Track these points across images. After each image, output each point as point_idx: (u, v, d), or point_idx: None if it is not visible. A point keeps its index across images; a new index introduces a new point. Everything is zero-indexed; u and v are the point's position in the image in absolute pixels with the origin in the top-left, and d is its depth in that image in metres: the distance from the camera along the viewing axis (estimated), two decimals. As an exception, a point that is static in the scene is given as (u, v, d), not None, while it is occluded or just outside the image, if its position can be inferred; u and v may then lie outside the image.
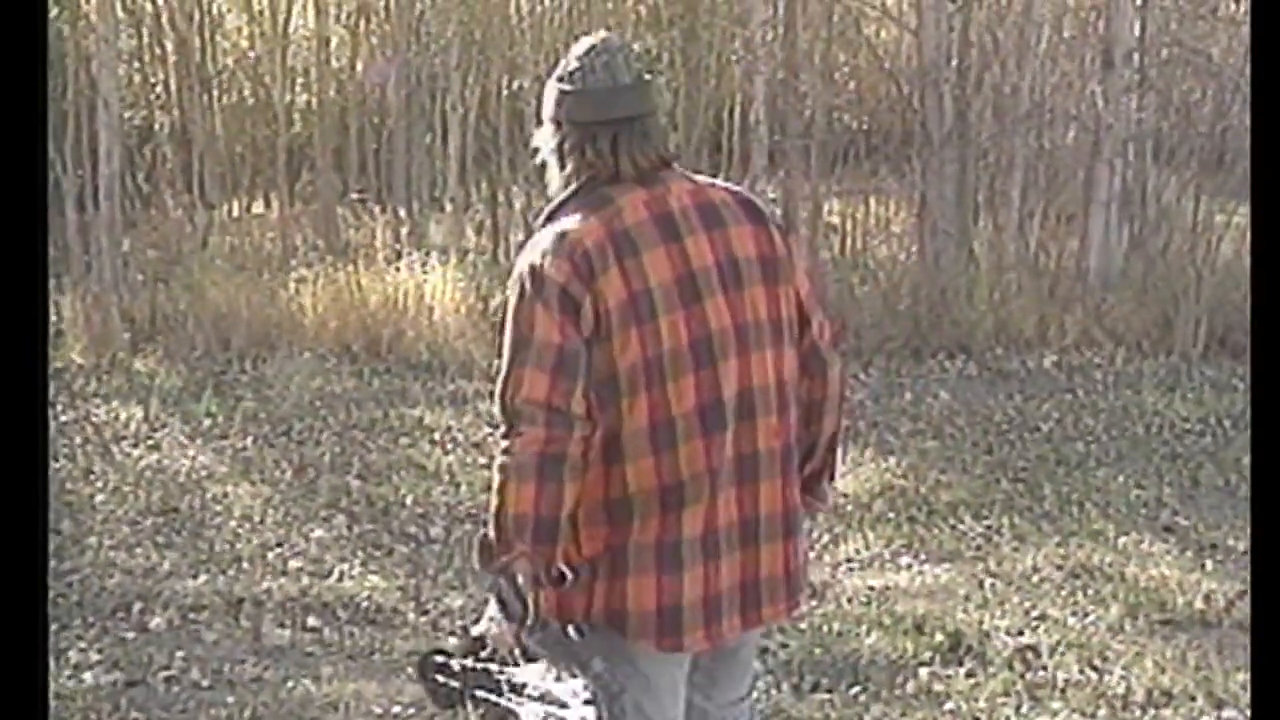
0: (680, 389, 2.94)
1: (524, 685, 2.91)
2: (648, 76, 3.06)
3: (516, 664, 3.07)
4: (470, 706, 3.05)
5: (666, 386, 2.93)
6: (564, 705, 2.82)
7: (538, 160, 3.12)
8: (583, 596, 2.99)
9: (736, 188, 3.25)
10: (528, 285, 2.92)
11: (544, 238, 2.97)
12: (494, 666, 2.98)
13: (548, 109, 3.07)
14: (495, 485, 2.93)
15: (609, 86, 3.00)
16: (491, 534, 2.95)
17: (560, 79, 3.05)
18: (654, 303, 2.93)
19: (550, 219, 3.02)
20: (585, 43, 3.07)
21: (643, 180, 3.02)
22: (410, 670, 5.01)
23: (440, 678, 3.05)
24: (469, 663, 3.01)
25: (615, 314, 2.91)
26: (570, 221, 2.96)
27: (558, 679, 2.87)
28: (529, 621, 2.95)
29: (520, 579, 2.93)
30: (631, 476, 2.95)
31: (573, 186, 3.03)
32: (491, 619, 3.00)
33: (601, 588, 2.99)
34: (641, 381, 2.92)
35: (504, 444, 2.91)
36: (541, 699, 2.86)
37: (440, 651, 3.12)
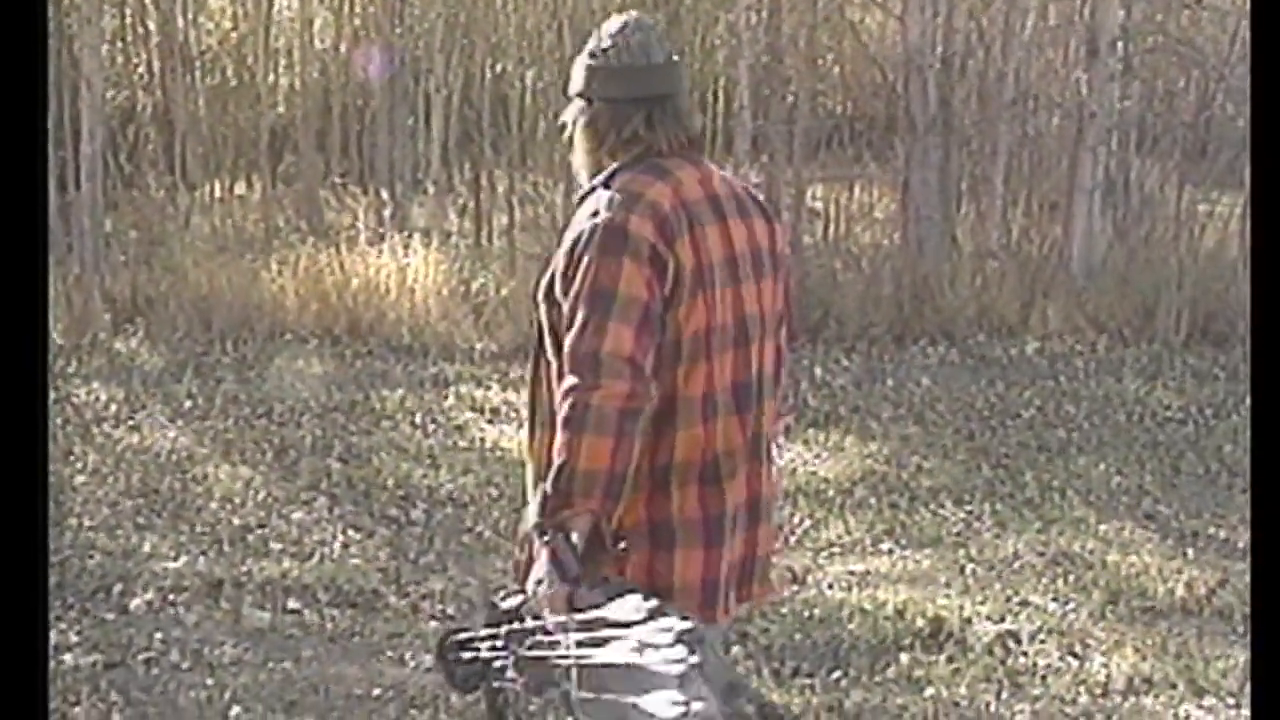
0: (723, 363, 2.98)
1: (615, 623, 2.74)
2: (675, 57, 3.07)
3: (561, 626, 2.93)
4: (495, 681, 2.91)
5: (714, 360, 2.96)
6: (654, 646, 2.68)
7: (565, 135, 3.10)
8: (615, 568, 2.94)
9: (747, 183, 3.28)
10: (610, 239, 2.87)
11: (616, 196, 2.93)
12: (536, 624, 2.85)
13: (576, 85, 3.05)
14: (563, 439, 2.82)
15: (643, 64, 3.00)
16: (549, 488, 2.85)
17: (593, 55, 3.03)
18: (714, 275, 2.95)
19: (609, 183, 2.98)
20: (618, 20, 3.05)
21: (687, 158, 3.03)
22: (390, 653, 5.03)
23: (465, 655, 2.95)
24: (509, 628, 2.89)
25: (689, 280, 2.91)
26: (639, 185, 2.94)
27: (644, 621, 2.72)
28: (584, 580, 2.82)
29: (576, 536, 2.82)
30: (680, 444, 2.96)
31: (622, 158, 3.01)
32: (539, 580, 2.85)
33: (640, 559, 2.98)
34: (702, 350, 2.94)
35: (575, 396, 2.82)
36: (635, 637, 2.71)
37: (462, 630, 3.02)
